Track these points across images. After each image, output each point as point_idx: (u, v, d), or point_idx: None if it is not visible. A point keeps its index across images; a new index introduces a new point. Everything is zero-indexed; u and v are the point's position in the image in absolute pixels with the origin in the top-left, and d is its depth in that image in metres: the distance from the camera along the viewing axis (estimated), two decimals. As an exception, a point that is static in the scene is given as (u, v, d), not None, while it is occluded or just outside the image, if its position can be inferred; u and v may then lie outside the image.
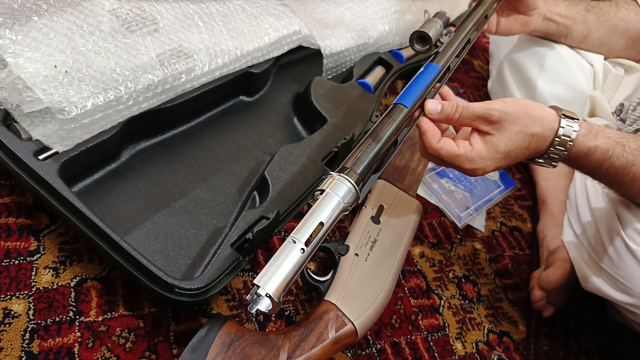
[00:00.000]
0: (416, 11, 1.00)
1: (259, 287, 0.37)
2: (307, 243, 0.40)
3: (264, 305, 0.38)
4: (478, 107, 0.54)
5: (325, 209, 0.42)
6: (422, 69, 0.58)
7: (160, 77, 0.61)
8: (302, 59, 0.88)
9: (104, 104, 0.56)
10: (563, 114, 0.55)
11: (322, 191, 0.43)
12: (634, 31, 0.91)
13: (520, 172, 1.04)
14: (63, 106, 0.52)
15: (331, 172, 0.45)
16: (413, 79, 0.57)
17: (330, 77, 0.88)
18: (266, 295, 0.37)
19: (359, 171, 0.45)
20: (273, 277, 0.38)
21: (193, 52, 0.65)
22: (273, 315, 0.60)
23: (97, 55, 0.57)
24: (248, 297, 0.38)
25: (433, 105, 0.55)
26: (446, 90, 0.62)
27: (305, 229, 0.40)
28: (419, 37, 0.60)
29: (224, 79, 0.70)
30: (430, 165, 0.88)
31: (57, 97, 0.52)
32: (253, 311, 0.37)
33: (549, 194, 0.93)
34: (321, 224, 0.41)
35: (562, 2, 0.89)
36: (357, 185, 0.44)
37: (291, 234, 0.40)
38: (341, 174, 0.44)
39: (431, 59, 0.60)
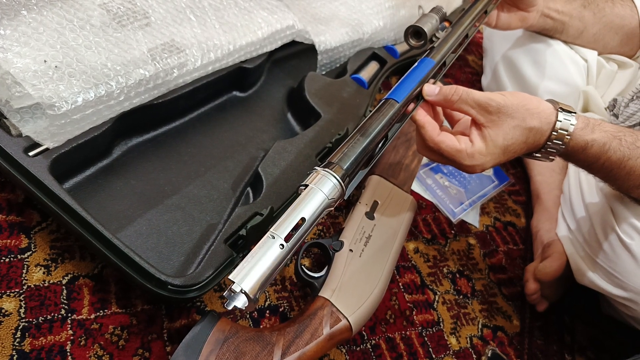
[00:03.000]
0: (410, 7, 1.00)
1: (234, 282, 0.37)
2: (287, 239, 0.39)
3: (241, 302, 0.37)
4: (478, 94, 0.54)
5: (308, 205, 0.41)
6: (416, 64, 0.58)
7: (152, 72, 0.60)
8: (296, 54, 0.87)
9: (95, 99, 0.55)
10: (560, 108, 0.55)
11: (306, 186, 0.42)
12: (628, 27, 0.91)
13: (514, 167, 1.04)
14: (53, 102, 0.52)
15: (316, 168, 0.44)
16: (406, 74, 0.56)
17: (324, 72, 0.87)
18: (241, 291, 0.36)
19: (345, 167, 0.44)
20: (250, 273, 0.37)
21: (185, 47, 0.65)
22: (267, 312, 0.60)
23: (87, 50, 0.56)
24: (225, 293, 0.38)
25: (431, 87, 0.55)
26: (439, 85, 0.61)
27: (286, 225, 0.39)
28: (414, 32, 0.59)
29: (216, 74, 0.70)
30: (425, 160, 0.88)
31: (47, 93, 0.51)
32: (229, 308, 0.37)
33: (543, 188, 0.93)
34: (303, 219, 0.40)
35: None
36: (343, 181, 0.43)
37: (270, 229, 0.39)
38: (326, 169, 0.43)
39: (426, 54, 0.60)
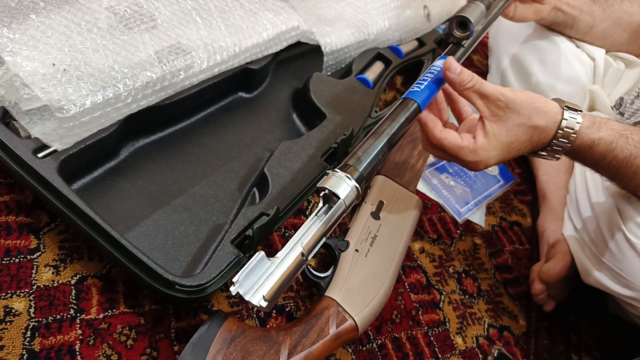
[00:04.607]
0: (416, 7, 1.00)
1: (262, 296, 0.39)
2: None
3: (256, 299, 0.39)
4: (491, 87, 0.53)
5: (332, 218, 0.43)
6: (442, 61, 0.55)
7: (158, 74, 0.61)
8: (301, 55, 0.87)
9: (102, 102, 0.56)
10: (566, 106, 0.55)
11: (325, 189, 0.43)
12: (636, 24, 0.91)
13: (520, 166, 1.04)
14: (62, 104, 0.52)
15: (335, 170, 0.44)
16: (432, 74, 0.54)
17: (329, 73, 0.88)
18: (263, 297, 0.38)
19: (360, 169, 0.45)
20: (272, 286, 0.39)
21: (191, 49, 0.65)
22: (273, 311, 0.60)
23: (95, 53, 0.57)
24: (236, 278, 0.39)
25: (454, 65, 0.53)
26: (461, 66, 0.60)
27: (315, 245, 0.42)
28: (459, 22, 0.55)
29: (222, 76, 0.70)
30: (430, 160, 0.88)
31: (55, 96, 0.52)
32: (234, 293, 0.38)
33: (549, 188, 0.93)
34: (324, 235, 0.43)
35: None
36: (359, 184, 0.44)
37: (303, 249, 0.41)
38: (344, 172, 0.44)
39: (448, 50, 0.57)
